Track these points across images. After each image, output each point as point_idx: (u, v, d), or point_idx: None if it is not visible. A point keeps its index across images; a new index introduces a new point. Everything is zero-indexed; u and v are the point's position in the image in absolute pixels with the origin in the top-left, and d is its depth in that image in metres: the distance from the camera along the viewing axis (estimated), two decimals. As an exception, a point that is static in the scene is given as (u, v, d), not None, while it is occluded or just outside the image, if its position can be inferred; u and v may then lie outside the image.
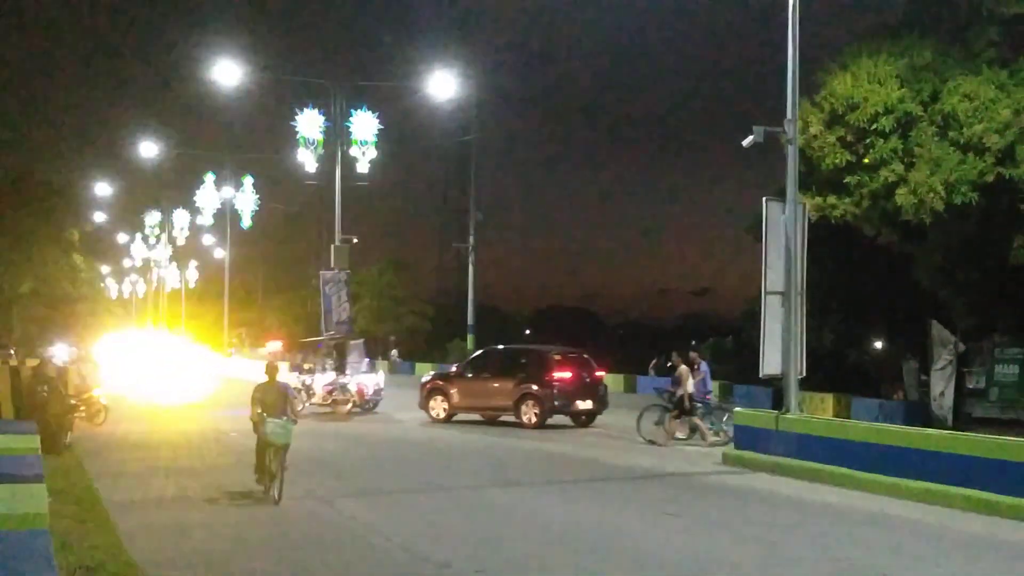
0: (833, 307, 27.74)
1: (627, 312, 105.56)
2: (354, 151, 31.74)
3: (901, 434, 14.62)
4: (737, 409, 19.24)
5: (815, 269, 19.44)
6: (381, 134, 32.15)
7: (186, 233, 63.09)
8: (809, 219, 18.80)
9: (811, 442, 15.68)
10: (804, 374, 17.45)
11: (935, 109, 20.62)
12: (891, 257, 26.04)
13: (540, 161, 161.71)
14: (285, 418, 12.74)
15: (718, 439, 19.62)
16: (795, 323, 17.06)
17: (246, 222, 51.33)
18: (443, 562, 9.60)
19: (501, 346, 27.82)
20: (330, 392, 26.64)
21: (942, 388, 23.75)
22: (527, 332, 68.91)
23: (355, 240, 33.06)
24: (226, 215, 54.23)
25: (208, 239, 64.20)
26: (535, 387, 23.29)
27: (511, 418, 23.52)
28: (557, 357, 24.09)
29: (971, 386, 23.50)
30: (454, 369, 25.94)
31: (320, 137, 31.93)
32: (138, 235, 72.50)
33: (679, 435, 20.04)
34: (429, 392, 24.98)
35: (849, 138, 21.14)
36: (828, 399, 27.25)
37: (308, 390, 27.05)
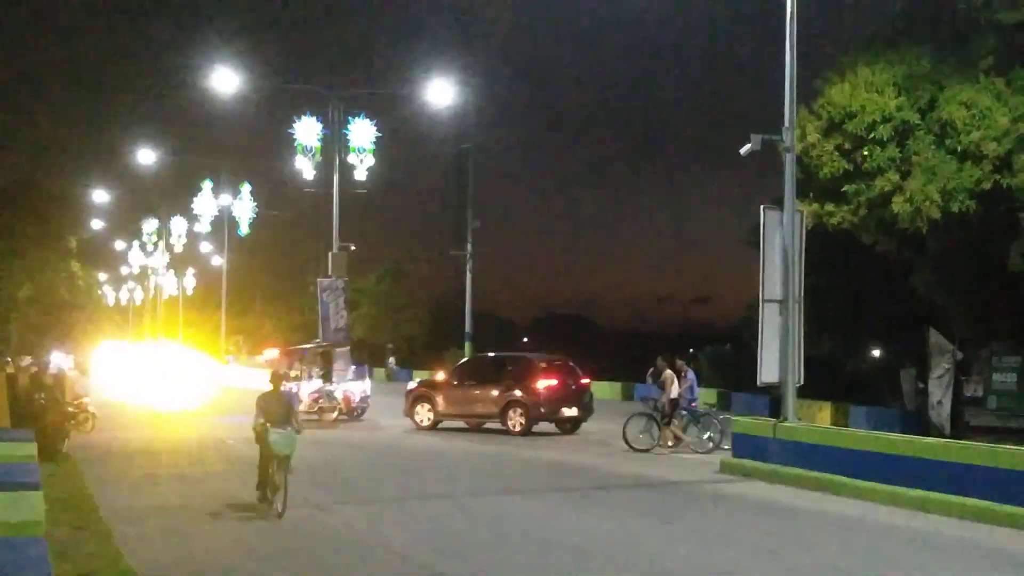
0: (831, 315, 27.72)
1: (626, 320, 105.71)
2: (352, 159, 31.73)
3: (899, 442, 14.60)
4: (735, 417, 19.15)
5: (813, 277, 19.41)
6: (379, 142, 32.15)
7: (184, 240, 63.06)
8: (807, 227, 18.78)
9: (809, 450, 15.64)
10: (802, 382, 17.38)
11: (933, 117, 20.65)
12: (889, 265, 26.02)
13: (540, 168, 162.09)
14: (289, 428, 12.46)
15: (700, 447, 19.49)
16: (793, 331, 17.02)
17: (244, 229, 51.35)
18: (443, 571, 9.58)
19: (489, 354, 27.82)
20: (316, 400, 26.79)
21: (940, 396, 23.70)
22: (524, 340, 68.86)
23: (353, 248, 33.03)
24: (224, 222, 54.25)
25: (206, 246, 64.16)
26: (521, 394, 23.31)
27: (496, 425, 23.55)
28: (543, 364, 24.19)
29: (969, 394, 23.46)
30: (440, 376, 25.98)
31: (318, 144, 31.91)
32: (136, 242, 72.46)
33: (670, 443, 19.91)
34: (415, 399, 24.99)
35: (847, 146, 21.16)
36: (826, 407, 27.26)
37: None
